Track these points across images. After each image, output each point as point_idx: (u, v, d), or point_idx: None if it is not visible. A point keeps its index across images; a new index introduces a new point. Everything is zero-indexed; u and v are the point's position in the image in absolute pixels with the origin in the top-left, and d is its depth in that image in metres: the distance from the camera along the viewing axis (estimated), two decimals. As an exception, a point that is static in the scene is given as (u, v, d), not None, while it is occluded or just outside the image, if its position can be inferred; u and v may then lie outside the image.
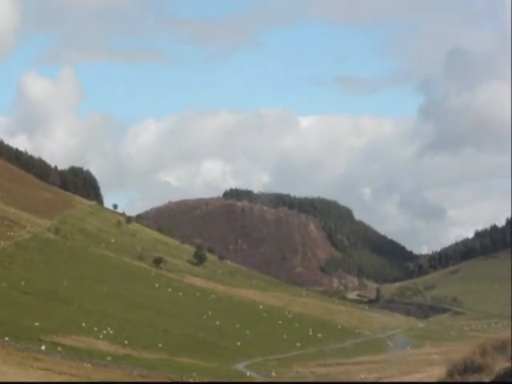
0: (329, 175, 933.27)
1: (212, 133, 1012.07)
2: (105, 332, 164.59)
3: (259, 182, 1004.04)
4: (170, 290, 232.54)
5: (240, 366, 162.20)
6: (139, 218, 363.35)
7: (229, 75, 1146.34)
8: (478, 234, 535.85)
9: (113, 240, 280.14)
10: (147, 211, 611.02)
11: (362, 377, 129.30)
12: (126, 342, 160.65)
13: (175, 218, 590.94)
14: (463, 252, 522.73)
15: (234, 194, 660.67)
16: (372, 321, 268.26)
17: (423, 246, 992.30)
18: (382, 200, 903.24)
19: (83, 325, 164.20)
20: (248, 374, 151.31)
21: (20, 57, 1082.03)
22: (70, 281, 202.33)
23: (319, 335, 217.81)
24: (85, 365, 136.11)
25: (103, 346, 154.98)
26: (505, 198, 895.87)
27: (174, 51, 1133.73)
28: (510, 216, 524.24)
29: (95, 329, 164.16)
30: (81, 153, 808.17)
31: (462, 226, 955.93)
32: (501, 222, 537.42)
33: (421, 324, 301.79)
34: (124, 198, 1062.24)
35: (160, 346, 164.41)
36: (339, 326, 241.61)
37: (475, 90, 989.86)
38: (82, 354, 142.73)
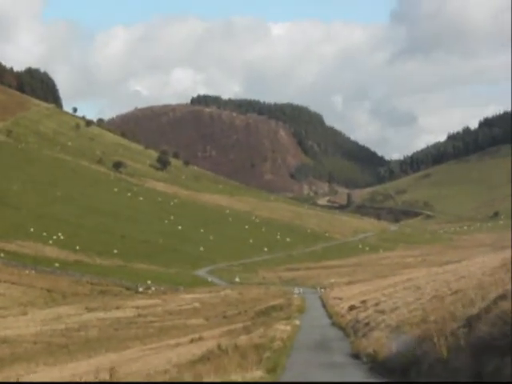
0: (300, 82, 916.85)
1: (181, 40, 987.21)
2: (55, 237, 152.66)
3: (230, 91, 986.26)
4: (129, 194, 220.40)
5: (201, 272, 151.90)
6: (100, 122, 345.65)
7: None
8: (451, 137, 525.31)
9: (70, 143, 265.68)
10: (112, 118, 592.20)
11: (331, 281, 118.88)
12: (78, 247, 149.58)
13: (141, 125, 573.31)
14: (435, 156, 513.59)
15: (202, 101, 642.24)
16: (343, 224, 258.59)
17: (394, 153, 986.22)
18: (352, 108, 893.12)
19: (31, 230, 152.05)
20: (210, 279, 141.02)
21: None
22: (21, 184, 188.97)
23: (287, 239, 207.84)
24: (27, 271, 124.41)
25: (52, 252, 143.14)
26: (477, 105, 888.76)
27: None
28: (483, 118, 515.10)
29: (44, 234, 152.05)
30: (46, 59, 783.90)
31: (433, 133, 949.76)
32: (474, 125, 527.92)
33: (393, 227, 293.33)
34: (94, 107, 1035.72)
35: (115, 251, 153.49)
36: (308, 230, 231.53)
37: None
38: (27, 260, 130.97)
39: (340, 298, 74.58)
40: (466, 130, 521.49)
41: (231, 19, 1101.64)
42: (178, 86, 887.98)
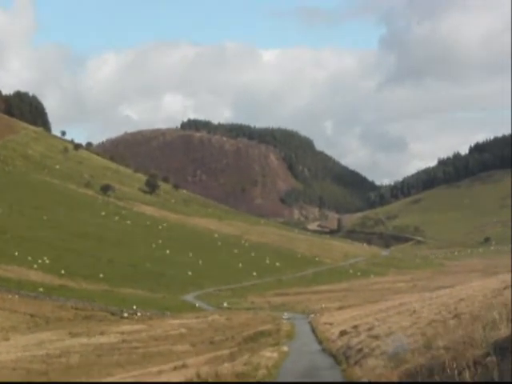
0: (290, 108, 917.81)
1: (173, 66, 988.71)
2: (40, 261, 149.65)
3: (221, 116, 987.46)
4: (117, 218, 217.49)
5: (189, 297, 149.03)
6: (89, 146, 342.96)
7: (189, 7, 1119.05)
8: (441, 163, 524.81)
9: (58, 166, 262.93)
10: (102, 142, 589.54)
11: (322, 306, 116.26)
12: (63, 271, 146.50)
13: (131, 149, 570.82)
14: (425, 181, 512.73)
15: (192, 125, 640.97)
16: (333, 249, 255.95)
17: (384, 179, 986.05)
18: (343, 133, 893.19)
19: (16, 254, 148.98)
20: (197, 304, 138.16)
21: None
22: (7, 208, 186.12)
23: (277, 264, 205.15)
24: (10, 296, 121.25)
25: (37, 276, 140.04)
26: (467, 131, 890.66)
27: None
28: (473, 144, 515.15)
29: (29, 258, 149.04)
30: (36, 84, 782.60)
31: (424, 160, 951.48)
32: (464, 151, 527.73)
33: (384, 252, 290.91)
34: (84, 132, 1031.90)
35: (101, 276, 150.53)
36: (299, 255, 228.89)
37: (436, 19, 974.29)
38: (11, 284, 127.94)
39: (330, 324, 72.13)
40: (457, 156, 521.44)
41: (223, 45, 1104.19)
42: (169, 111, 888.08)
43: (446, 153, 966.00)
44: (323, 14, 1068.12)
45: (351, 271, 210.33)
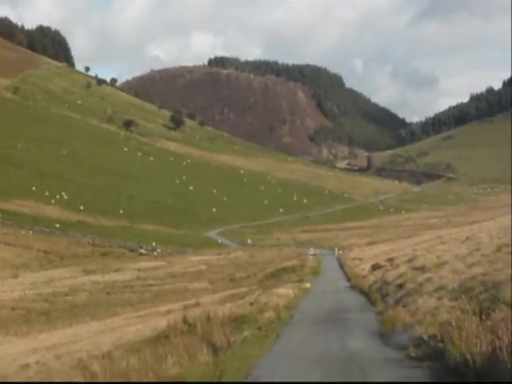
0: (320, 47, 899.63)
1: (201, 4, 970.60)
2: (58, 197, 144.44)
3: (249, 54, 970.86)
4: (140, 154, 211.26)
5: (212, 234, 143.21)
6: (113, 82, 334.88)
7: None
8: (473, 98, 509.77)
9: (80, 101, 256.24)
10: (128, 80, 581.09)
11: (351, 241, 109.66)
12: (82, 207, 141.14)
13: (157, 87, 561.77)
14: (457, 117, 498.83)
15: (219, 62, 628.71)
16: (363, 186, 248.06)
17: (415, 116, 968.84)
18: (373, 70, 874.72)
19: (33, 189, 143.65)
20: (220, 241, 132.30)
21: None
22: (26, 143, 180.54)
23: (305, 201, 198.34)
24: (23, 232, 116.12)
25: (53, 212, 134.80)
26: (499, 68, 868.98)
27: None
28: (507, 78, 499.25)
29: (47, 193, 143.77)
30: (62, 22, 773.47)
31: (454, 97, 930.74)
32: (497, 86, 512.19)
33: (415, 189, 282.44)
34: (112, 72, 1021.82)
35: (121, 212, 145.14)
36: (326, 192, 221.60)
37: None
38: (26, 220, 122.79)
39: (360, 259, 65.72)
40: (490, 91, 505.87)
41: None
42: (198, 50, 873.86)
43: (478, 89, 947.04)
44: None
45: (381, 208, 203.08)
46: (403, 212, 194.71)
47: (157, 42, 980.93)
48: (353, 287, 34.34)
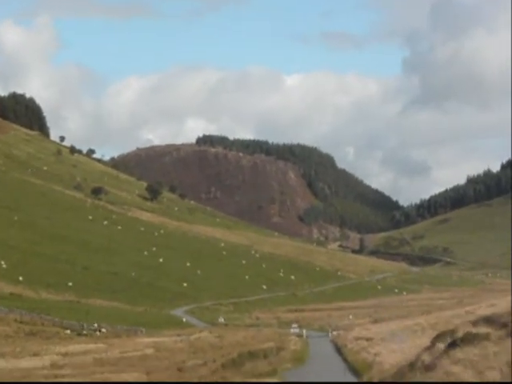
0: (313, 132, 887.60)
1: (195, 90, 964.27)
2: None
3: (240, 135, 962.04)
4: (106, 222, 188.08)
5: (178, 311, 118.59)
6: (90, 153, 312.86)
7: (213, 32, 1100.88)
8: (471, 180, 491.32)
9: (45, 168, 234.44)
10: (113, 157, 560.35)
11: (349, 317, 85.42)
12: (21, 278, 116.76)
13: (144, 165, 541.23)
14: (454, 199, 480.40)
15: (207, 140, 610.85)
16: (357, 263, 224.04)
17: (407, 201, 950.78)
18: (364, 157, 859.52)
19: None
20: (184, 319, 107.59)
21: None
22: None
23: (292, 277, 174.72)
24: None
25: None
26: (491, 159, 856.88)
27: (158, 5, 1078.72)
28: (504, 161, 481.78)
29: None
30: (58, 107, 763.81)
31: (448, 186, 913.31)
32: (495, 168, 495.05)
33: (414, 269, 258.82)
34: (106, 155, 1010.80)
35: (70, 284, 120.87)
36: (317, 268, 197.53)
37: (460, 41, 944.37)
38: None
39: (368, 339, 41.78)
40: (487, 173, 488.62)
41: (246, 69, 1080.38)
42: (191, 135, 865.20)
43: (475, 171, 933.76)
44: (346, 38, 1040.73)
45: (379, 287, 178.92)
46: (404, 293, 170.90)
47: (150, 126, 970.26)
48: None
